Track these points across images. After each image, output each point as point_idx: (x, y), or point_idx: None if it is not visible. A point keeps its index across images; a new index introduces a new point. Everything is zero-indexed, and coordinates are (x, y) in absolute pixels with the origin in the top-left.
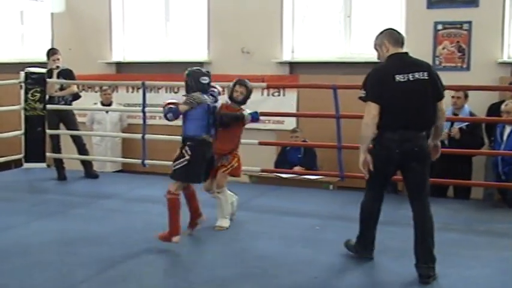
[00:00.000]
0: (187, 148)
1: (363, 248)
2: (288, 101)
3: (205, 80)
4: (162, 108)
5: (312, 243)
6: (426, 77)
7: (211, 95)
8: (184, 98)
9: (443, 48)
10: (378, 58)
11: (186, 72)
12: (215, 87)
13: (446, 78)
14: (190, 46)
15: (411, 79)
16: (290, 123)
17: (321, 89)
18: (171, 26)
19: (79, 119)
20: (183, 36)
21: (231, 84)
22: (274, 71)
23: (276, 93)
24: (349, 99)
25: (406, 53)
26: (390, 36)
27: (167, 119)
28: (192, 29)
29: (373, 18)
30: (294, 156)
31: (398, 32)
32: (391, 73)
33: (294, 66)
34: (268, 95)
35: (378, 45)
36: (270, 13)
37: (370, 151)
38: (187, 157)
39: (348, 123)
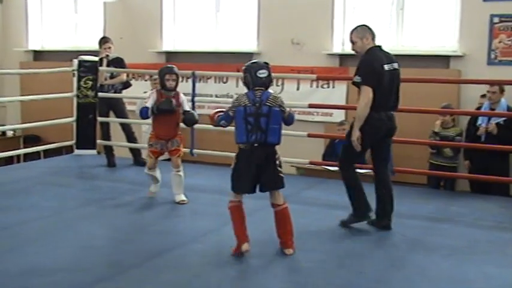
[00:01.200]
0: (235, 156)
1: (364, 212)
2: (337, 93)
3: (262, 73)
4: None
5: (361, 237)
6: (398, 68)
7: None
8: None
9: (500, 42)
10: (354, 49)
11: (243, 67)
12: None
13: (503, 72)
14: (240, 36)
15: (391, 69)
16: (339, 115)
17: None
18: (221, 16)
19: (129, 107)
20: (233, 27)
21: (159, 74)
22: (324, 62)
23: (325, 85)
24: (401, 92)
25: (380, 46)
26: (370, 31)
27: (221, 126)
28: (242, 19)
29: (427, 11)
30: None
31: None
32: (380, 63)
33: (344, 58)
34: (317, 86)
35: (359, 38)
36: (321, 4)
37: (361, 129)
38: (232, 165)
39: (398, 117)
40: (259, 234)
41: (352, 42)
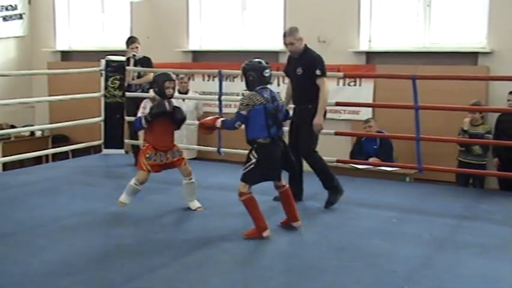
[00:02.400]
0: (253, 152)
1: (340, 188)
2: (364, 91)
3: (267, 73)
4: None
5: (390, 235)
6: None
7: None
8: (240, 101)
9: None
10: (291, 50)
11: (245, 66)
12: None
13: None
14: (266, 35)
15: None
16: (366, 113)
17: (398, 79)
18: (248, 15)
19: None
20: (259, 25)
21: (157, 81)
22: (351, 60)
23: (352, 83)
24: (428, 89)
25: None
26: (299, 32)
27: (235, 128)
28: (268, 17)
29: (454, 7)
30: (369, 147)
31: None
32: None
33: (370, 55)
34: (344, 84)
35: (297, 39)
36: (347, 1)
37: (310, 113)
38: (253, 160)
39: (426, 115)
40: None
41: (291, 43)
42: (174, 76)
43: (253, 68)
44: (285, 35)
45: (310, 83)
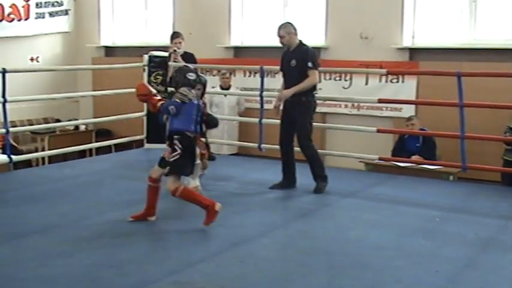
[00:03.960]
0: (176, 142)
1: (327, 178)
2: (406, 88)
3: (191, 76)
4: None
5: (432, 235)
6: None
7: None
8: (177, 94)
9: None
10: (284, 43)
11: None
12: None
13: None
14: (308, 31)
15: None
16: (408, 110)
17: (443, 76)
18: (289, 11)
19: None
20: (301, 21)
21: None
22: (393, 57)
23: (395, 80)
24: (473, 87)
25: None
26: (294, 27)
27: (168, 112)
28: (310, 13)
29: (500, 3)
30: (412, 144)
31: None
32: None
33: (414, 52)
34: (386, 81)
35: (291, 34)
36: None
37: (308, 106)
38: (179, 151)
39: (471, 112)
40: (326, 230)
41: (282, 36)
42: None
43: (179, 69)
44: (278, 28)
45: (302, 75)
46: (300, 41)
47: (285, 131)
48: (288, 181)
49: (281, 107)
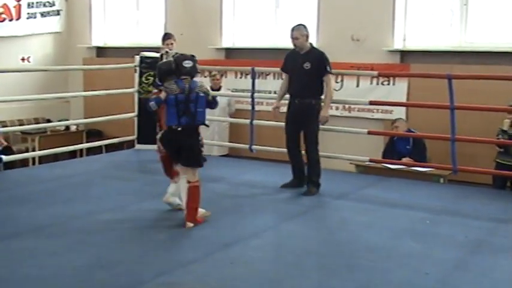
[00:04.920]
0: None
1: (319, 185)
2: (397, 90)
3: (187, 63)
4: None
5: (423, 237)
6: None
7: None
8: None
9: None
10: (296, 44)
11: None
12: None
13: None
14: None
15: None
16: (399, 113)
17: (434, 78)
18: (281, 12)
19: None
20: (293, 23)
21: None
22: (384, 59)
23: (386, 82)
24: (464, 90)
25: None
26: (307, 29)
27: (150, 108)
28: (301, 15)
29: (492, 6)
30: (402, 146)
31: None
32: None
33: (405, 54)
34: (377, 83)
35: (305, 36)
36: None
37: (318, 109)
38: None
39: (461, 115)
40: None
41: (296, 38)
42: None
43: (176, 58)
44: (292, 30)
45: (316, 78)
46: (311, 44)
47: (292, 133)
48: (299, 180)
49: (280, 110)
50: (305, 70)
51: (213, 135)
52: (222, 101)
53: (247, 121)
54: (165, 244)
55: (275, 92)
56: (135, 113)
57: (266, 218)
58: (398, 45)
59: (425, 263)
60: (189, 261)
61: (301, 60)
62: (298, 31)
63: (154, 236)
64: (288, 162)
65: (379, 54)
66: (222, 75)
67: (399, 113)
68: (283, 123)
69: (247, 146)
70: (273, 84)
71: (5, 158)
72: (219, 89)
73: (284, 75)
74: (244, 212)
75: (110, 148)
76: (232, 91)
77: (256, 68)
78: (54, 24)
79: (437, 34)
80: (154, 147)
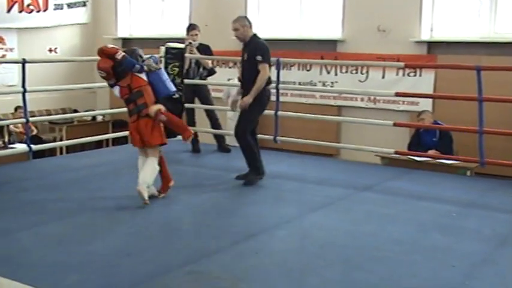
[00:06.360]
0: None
1: (261, 170)
2: (424, 81)
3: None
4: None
5: (448, 230)
6: None
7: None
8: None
9: None
10: (236, 35)
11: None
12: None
13: None
14: (325, 24)
15: None
16: (425, 104)
17: (461, 70)
18: (306, 3)
19: (214, 94)
20: (318, 14)
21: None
22: (411, 50)
23: (412, 74)
24: (492, 81)
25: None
26: (249, 20)
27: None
28: (327, 6)
29: None
30: (428, 139)
31: None
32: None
33: (432, 45)
34: (403, 75)
35: (245, 27)
36: None
37: (259, 99)
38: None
39: (489, 107)
40: (341, 223)
41: (236, 29)
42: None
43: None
44: (232, 22)
45: (253, 69)
46: (254, 34)
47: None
48: (256, 169)
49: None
50: (245, 61)
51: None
52: None
53: (272, 112)
54: (190, 233)
55: (300, 83)
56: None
57: (290, 209)
58: (425, 36)
59: (451, 257)
60: (214, 251)
61: (243, 51)
62: (237, 22)
63: (180, 225)
64: (311, 154)
65: (406, 45)
66: None
67: (425, 104)
68: (307, 115)
69: (271, 137)
70: (297, 75)
71: (34, 147)
72: None
73: (239, 65)
74: (269, 202)
75: None
76: None
77: (281, 59)
78: (81, 15)
79: (466, 24)
80: (179, 137)
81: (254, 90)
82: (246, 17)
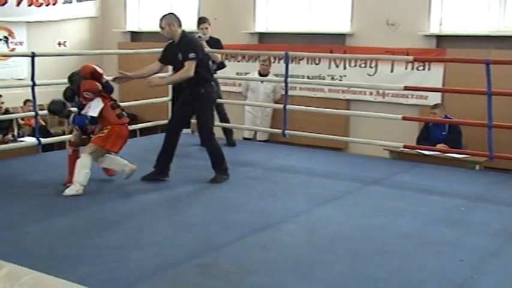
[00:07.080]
0: None
1: (227, 171)
2: (433, 75)
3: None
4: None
5: (457, 224)
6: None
7: None
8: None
9: None
10: (163, 33)
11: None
12: None
13: None
14: (334, 17)
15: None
16: (434, 98)
17: (470, 64)
18: None
19: (224, 88)
20: (327, 7)
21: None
22: (420, 44)
23: (421, 67)
24: (502, 75)
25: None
26: (177, 18)
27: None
28: (335, 0)
29: None
30: (437, 133)
31: None
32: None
33: (441, 39)
34: (412, 69)
35: (171, 25)
36: None
37: (208, 98)
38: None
39: (498, 101)
40: (349, 217)
41: (162, 28)
42: None
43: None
44: (159, 20)
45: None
46: (183, 32)
47: (177, 117)
48: (162, 170)
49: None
50: (179, 61)
51: (255, 120)
52: (267, 86)
53: (281, 106)
54: (198, 227)
55: (308, 77)
56: (169, 97)
57: (299, 202)
58: (434, 29)
59: (459, 251)
60: (223, 244)
61: (176, 50)
62: (165, 20)
63: (188, 218)
64: (320, 148)
65: (415, 38)
66: (270, 62)
67: (434, 98)
68: (316, 109)
69: (280, 131)
70: (306, 69)
71: (43, 140)
72: (267, 75)
73: (157, 63)
74: (277, 196)
75: (144, 132)
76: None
77: (290, 53)
78: (90, 9)
79: (475, 18)
80: (188, 131)
81: (171, 80)
82: (173, 15)
